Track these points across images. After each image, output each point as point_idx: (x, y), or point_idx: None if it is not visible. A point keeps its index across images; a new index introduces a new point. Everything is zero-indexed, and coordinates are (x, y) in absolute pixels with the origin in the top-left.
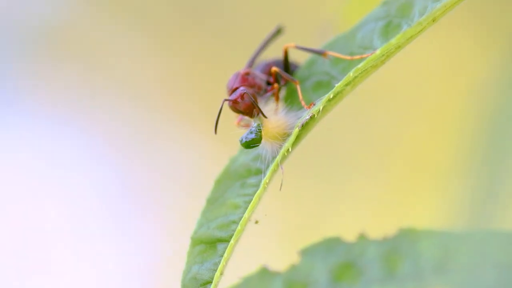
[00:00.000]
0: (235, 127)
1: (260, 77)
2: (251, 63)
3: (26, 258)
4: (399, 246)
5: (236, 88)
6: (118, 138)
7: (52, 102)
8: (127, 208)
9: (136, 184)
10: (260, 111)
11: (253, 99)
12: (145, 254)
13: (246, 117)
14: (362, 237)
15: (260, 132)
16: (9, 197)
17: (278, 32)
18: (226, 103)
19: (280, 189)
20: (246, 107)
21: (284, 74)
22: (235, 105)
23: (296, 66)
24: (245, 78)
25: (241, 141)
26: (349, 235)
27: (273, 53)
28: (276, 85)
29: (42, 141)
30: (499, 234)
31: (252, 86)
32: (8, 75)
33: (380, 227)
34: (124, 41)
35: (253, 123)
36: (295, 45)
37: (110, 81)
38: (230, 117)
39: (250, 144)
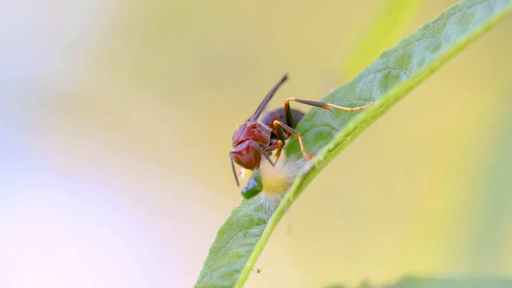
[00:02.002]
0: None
1: (266, 129)
2: (259, 113)
3: None
4: None
5: (242, 141)
6: (137, 194)
7: (72, 164)
8: (147, 258)
9: (156, 236)
10: (269, 160)
11: (261, 151)
12: None
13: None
14: (364, 285)
15: (260, 180)
16: (35, 258)
17: (284, 79)
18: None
19: (288, 233)
20: (249, 160)
21: (286, 127)
22: (238, 157)
23: (302, 114)
24: (251, 131)
25: (242, 192)
26: (352, 283)
27: (277, 100)
28: (279, 141)
29: (64, 201)
30: (499, 281)
31: (257, 139)
32: (28, 140)
33: (382, 275)
34: (140, 102)
35: (252, 173)
36: (295, 98)
37: (128, 142)
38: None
39: (252, 192)
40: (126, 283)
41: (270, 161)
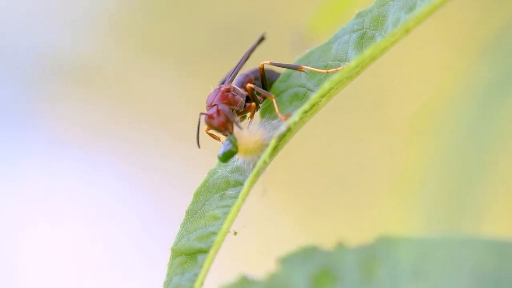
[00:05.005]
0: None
1: (241, 93)
2: (234, 76)
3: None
4: (377, 253)
5: (215, 105)
6: (146, 163)
7: (82, 133)
8: (154, 224)
9: (164, 203)
10: (236, 124)
11: (229, 117)
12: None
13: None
14: (340, 245)
15: (235, 142)
16: (44, 225)
17: (261, 40)
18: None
19: (262, 195)
20: (221, 124)
21: (260, 90)
22: (210, 121)
23: (277, 75)
24: (225, 95)
25: (219, 155)
26: (327, 244)
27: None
28: (253, 104)
29: (73, 169)
30: (475, 241)
31: (231, 103)
32: (38, 109)
33: (358, 235)
34: (150, 71)
35: (227, 136)
36: (270, 62)
37: (137, 111)
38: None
39: (228, 155)
40: (133, 250)
41: (238, 126)
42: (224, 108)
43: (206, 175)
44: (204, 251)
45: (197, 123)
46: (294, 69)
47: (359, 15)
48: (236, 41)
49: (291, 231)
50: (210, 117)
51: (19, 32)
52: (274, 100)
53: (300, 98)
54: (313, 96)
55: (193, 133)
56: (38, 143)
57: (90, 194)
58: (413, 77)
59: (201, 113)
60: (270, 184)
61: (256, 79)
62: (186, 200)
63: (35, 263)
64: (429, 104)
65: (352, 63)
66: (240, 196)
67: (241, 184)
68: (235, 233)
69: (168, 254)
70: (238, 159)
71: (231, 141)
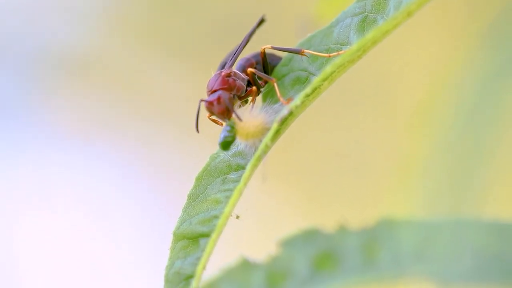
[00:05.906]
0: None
1: (242, 78)
2: (235, 60)
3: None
4: (379, 236)
5: (215, 90)
6: (148, 155)
7: (84, 126)
8: (156, 216)
9: (165, 195)
10: (236, 114)
11: (229, 104)
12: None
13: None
14: (341, 228)
15: (234, 130)
16: (45, 219)
17: (261, 22)
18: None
19: (263, 182)
20: (221, 111)
21: (261, 74)
22: (210, 107)
23: (279, 59)
24: (226, 80)
25: (218, 143)
26: (329, 227)
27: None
28: (254, 88)
29: (74, 162)
30: (477, 223)
31: (232, 88)
32: (38, 103)
33: (360, 218)
34: (150, 63)
35: (227, 123)
36: (271, 46)
37: (138, 104)
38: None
39: (227, 143)
40: (135, 237)
41: (237, 115)
42: (225, 95)
43: (208, 159)
44: (206, 235)
45: (197, 110)
46: (296, 53)
47: None
48: (238, 32)
49: (292, 216)
50: (210, 103)
51: (18, 26)
52: (275, 84)
53: (302, 82)
54: (315, 80)
55: (194, 123)
56: (38, 136)
57: (90, 184)
58: (415, 67)
59: (202, 100)
60: (272, 171)
61: (257, 63)
62: (187, 186)
63: (35, 257)
64: (431, 91)
65: (354, 46)
66: (242, 179)
67: (243, 168)
68: (237, 217)
69: (170, 239)
70: (240, 144)
71: (229, 130)
